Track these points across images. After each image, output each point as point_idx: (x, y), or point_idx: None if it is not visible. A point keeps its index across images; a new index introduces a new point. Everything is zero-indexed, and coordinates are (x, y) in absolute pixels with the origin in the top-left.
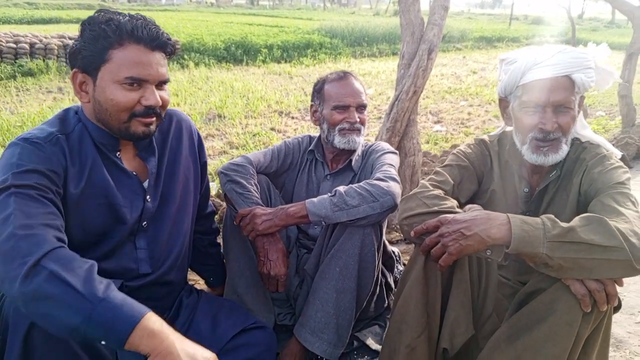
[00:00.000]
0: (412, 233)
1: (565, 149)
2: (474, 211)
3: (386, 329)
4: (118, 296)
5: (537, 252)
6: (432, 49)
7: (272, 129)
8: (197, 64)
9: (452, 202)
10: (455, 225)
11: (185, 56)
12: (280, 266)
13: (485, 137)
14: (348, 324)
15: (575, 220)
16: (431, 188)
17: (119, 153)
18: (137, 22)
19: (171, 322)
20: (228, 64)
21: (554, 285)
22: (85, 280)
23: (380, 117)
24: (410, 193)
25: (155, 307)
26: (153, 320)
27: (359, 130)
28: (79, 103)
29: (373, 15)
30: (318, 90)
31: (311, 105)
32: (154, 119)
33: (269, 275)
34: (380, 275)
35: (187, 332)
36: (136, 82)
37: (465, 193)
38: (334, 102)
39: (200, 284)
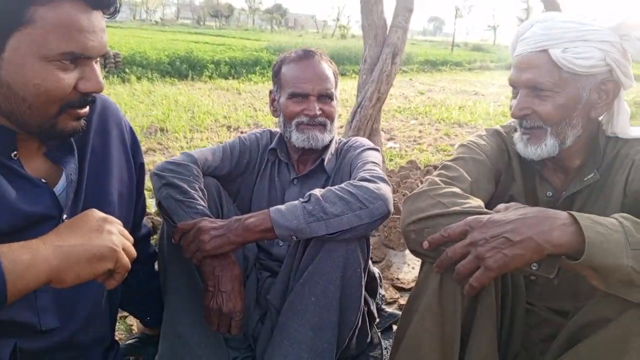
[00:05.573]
0: (424, 243)
1: (551, 143)
2: (519, 209)
3: None
4: None
5: (619, 265)
6: (396, 53)
7: (220, 142)
8: (139, 78)
9: (478, 201)
10: (494, 228)
11: (127, 70)
12: (236, 300)
13: (499, 127)
14: None
15: None
16: (443, 185)
17: (15, 154)
18: None
19: None
20: (172, 78)
21: (626, 315)
22: None
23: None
24: (418, 190)
25: None
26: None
27: (322, 125)
28: None
29: (321, 38)
30: (276, 73)
31: (270, 92)
32: (88, 109)
33: (220, 312)
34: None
35: None
36: (73, 59)
37: (482, 194)
38: (290, 89)
39: (128, 321)
